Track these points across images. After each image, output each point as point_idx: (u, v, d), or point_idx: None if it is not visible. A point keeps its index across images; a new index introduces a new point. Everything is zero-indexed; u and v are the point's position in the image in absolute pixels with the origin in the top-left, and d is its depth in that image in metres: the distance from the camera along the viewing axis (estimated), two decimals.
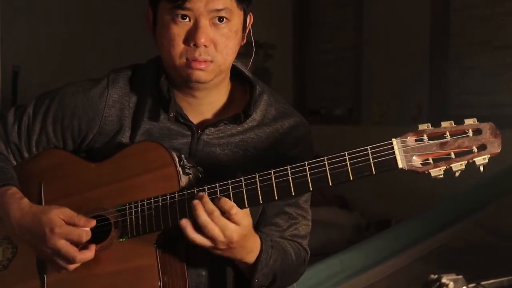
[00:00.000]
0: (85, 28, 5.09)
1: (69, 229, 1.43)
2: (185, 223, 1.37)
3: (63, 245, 1.43)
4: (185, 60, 1.44)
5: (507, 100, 4.55)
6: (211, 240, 1.37)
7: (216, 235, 1.36)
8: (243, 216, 1.37)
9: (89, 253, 1.44)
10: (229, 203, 1.36)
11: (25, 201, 1.50)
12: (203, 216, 1.35)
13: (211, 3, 1.41)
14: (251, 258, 1.45)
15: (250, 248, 1.44)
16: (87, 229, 1.44)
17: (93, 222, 1.45)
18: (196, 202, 1.36)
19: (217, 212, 1.35)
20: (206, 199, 1.36)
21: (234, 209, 1.36)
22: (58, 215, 1.45)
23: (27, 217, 1.47)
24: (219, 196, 1.38)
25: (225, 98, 1.57)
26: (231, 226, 1.36)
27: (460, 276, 1.94)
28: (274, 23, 5.79)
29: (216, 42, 1.44)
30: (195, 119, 1.54)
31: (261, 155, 1.54)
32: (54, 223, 1.43)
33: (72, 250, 1.43)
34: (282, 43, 6.07)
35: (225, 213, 1.36)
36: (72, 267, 1.45)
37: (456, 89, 4.90)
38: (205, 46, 1.42)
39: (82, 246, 1.44)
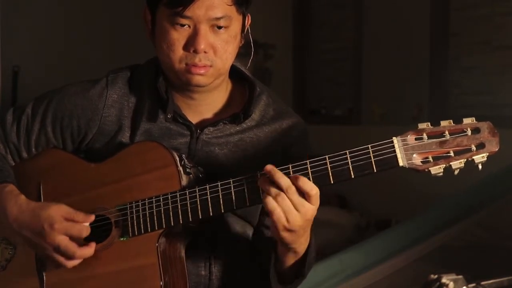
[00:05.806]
0: (85, 28, 5.09)
1: (68, 225, 1.43)
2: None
3: (63, 240, 1.43)
4: (184, 65, 1.45)
5: (507, 100, 4.55)
6: (285, 213, 1.32)
7: (289, 208, 1.31)
8: (319, 199, 1.34)
9: (89, 250, 1.44)
10: (309, 184, 1.32)
11: (22, 197, 1.50)
12: (274, 190, 1.31)
13: (211, 11, 1.41)
14: (302, 248, 1.42)
15: (307, 237, 1.41)
16: (87, 224, 1.44)
17: (92, 217, 1.45)
18: (270, 168, 1.32)
19: (293, 188, 1.31)
20: (280, 174, 1.31)
21: (315, 190, 1.32)
22: (57, 211, 1.44)
23: (25, 213, 1.47)
24: (292, 174, 1.33)
25: (225, 98, 1.57)
26: (306, 204, 1.32)
27: (460, 276, 1.94)
28: (274, 23, 5.79)
29: (215, 47, 1.44)
30: (194, 119, 1.54)
31: (260, 155, 1.54)
32: (53, 219, 1.43)
33: (71, 246, 1.43)
34: (282, 43, 6.07)
35: (302, 194, 1.32)
36: (71, 263, 1.45)
37: (456, 89, 4.90)
38: (204, 52, 1.43)
39: (81, 244, 1.44)
